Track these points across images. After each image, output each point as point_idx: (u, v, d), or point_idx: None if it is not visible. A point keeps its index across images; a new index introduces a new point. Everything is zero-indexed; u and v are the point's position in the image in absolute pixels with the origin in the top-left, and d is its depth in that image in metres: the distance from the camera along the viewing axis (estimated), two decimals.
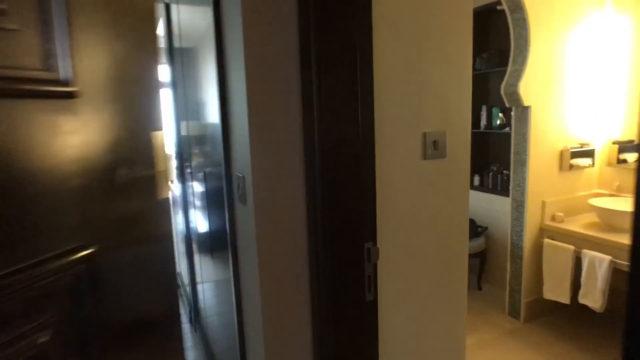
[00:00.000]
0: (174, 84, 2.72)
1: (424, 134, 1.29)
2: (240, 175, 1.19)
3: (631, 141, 2.93)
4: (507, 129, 3.25)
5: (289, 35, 1.06)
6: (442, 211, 1.37)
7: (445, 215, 1.38)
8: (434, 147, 1.32)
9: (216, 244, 1.83)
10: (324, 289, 1.09)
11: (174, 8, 2.39)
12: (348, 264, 1.10)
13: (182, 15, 2.18)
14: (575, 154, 2.83)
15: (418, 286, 1.36)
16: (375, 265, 1.14)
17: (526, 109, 2.65)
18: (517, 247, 2.86)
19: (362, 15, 1.04)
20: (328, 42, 1.01)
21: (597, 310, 2.46)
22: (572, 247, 2.57)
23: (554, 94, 2.71)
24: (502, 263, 3.06)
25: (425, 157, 1.30)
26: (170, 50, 2.66)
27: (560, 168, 2.84)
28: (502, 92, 2.70)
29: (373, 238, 1.12)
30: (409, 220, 1.30)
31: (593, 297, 2.46)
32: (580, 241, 2.55)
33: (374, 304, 1.15)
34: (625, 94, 2.81)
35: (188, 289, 2.97)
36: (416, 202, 1.31)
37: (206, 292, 2.37)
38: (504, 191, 3.22)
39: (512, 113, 2.80)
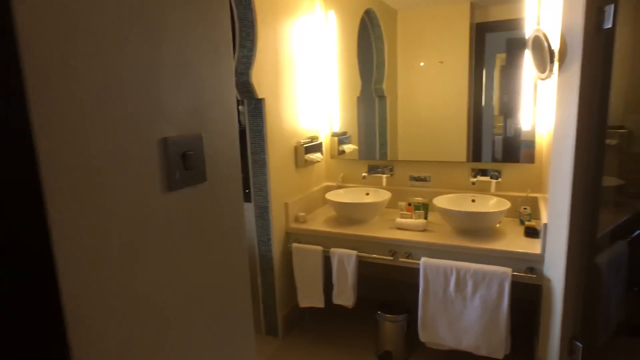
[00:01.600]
0: None
1: (163, 142, 0.65)
2: None
3: (344, 133, 3.09)
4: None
5: None
6: (213, 277, 0.77)
7: (216, 281, 0.79)
8: (183, 166, 0.70)
9: None
10: None
11: None
12: None
13: None
14: (308, 149, 2.73)
15: None
16: None
17: (260, 102, 2.31)
18: (266, 259, 2.53)
19: None
20: None
21: (349, 307, 2.42)
22: (320, 248, 2.43)
23: (283, 87, 2.48)
24: (252, 277, 2.70)
25: (170, 186, 0.67)
26: None
27: (297, 165, 2.68)
28: None
29: None
30: (155, 315, 0.65)
31: (346, 295, 2.39)
32: (327, 239, 2.44)
33: None
34: (337, 87, 2.88)
35: None
36: (164, 275, 0.66)
37: None
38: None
39: (243, 107, 2.43)
